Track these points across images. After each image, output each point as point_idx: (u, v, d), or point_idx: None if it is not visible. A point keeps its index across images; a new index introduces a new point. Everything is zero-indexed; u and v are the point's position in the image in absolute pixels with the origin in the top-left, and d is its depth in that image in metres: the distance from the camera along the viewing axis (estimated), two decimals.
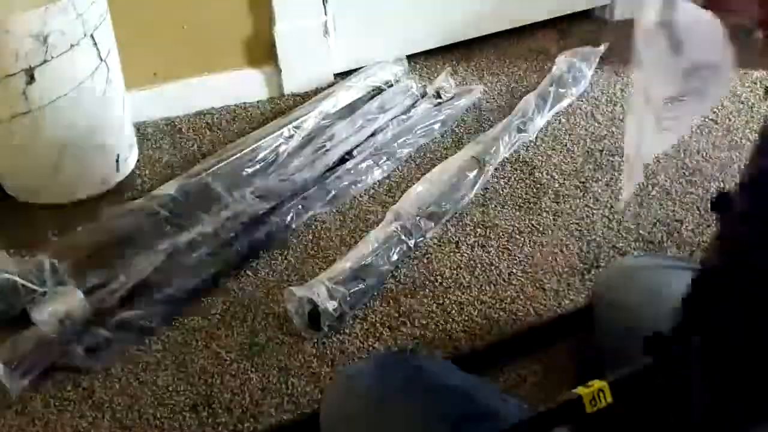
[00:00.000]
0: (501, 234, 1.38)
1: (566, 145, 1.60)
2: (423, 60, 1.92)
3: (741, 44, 0.66)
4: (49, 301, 1.20)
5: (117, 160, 1.54)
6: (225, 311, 1.25)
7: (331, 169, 1.53)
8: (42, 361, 1.15)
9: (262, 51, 1.77)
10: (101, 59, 1.43)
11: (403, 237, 1.32)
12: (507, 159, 1.55)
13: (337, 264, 1.27)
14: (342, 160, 1.55)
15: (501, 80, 1.83)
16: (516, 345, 1.17)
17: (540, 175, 1.52)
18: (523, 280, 1.28)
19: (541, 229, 1.39)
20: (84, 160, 1.48)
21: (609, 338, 0.98)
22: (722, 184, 1.47)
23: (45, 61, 1.34)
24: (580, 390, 0.69)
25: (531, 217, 1.41)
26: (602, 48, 1.87)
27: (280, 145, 1.56)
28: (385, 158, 1.55)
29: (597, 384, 0.70)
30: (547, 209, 1.43)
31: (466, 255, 1.33)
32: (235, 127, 1.72)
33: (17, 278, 1.20)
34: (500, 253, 1.34)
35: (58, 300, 1.20)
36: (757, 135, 0.64)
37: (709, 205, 0.66)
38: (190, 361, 1.17)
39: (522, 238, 1.37)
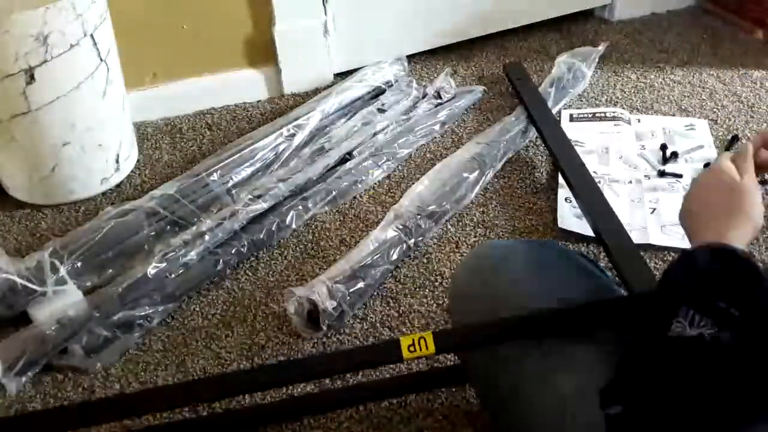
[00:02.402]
0: (501, 234, 1.38)
1: None
2: (423, 60, 1.92)
3: None
4: (49, 301, 1.20)
5: (117, 160, 1.54)
6: (225, 311, 1.25)
7: (331, 169, 1.53)
8: (41, 361, 1.15)
9: (262, 51, 1.77)
10: (101, 59, 1.43)
11: (403, 237, 1.32)
12: (507, 159, 1.55)
13: (337, 264, 1.27)
14: (342, 160, 1.55)
15: (501, 80, 1.83)
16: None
17: (540, 175, 1.52)
18: None
19: (541, 229, 1.39)
20: (84, 160, 1.48)
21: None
22: None
23: (45, 61, 1.34)
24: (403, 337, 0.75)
25: (531, 217, 1.42)
26: (602, 48, 1.87)
27: (280, 145, 1.56)
28: (385, 158, 1.55)
29: (423, 334, 0.75)
30: (547, 209, 1.43)
31: (466, 255, 1.33)
32: (235, 127, 1.72)
33: (17, 278, 1.21)
34: None
35: (58, 300, 1.20)
36: None
37: None
38: (190, 361, 1.17)
39: (522, 239, 1.37)
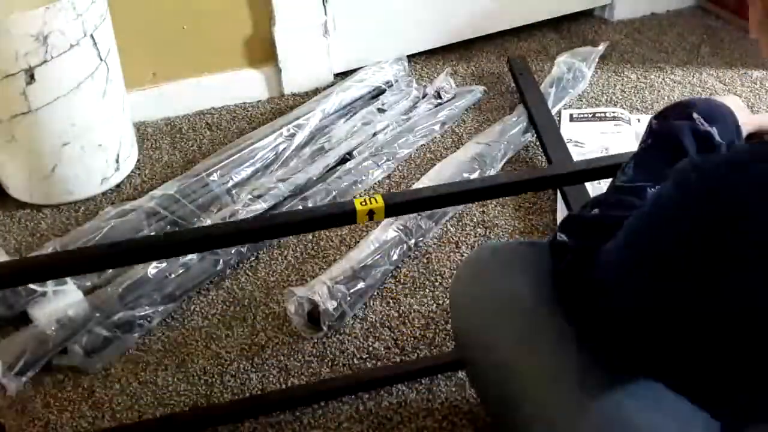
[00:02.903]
0: (501, 234, 1.38)
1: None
2: (423, 60, 1.92)
3: None
4: (49, 301, 1.20)
5: (117, 160, 1.54)
6: (225, 311, 1.25)
7: (331, 169, 1.53)
8: (41, 361, 1.15)
9: (262, 51, 1.77)
10: (101, 59, 1.43)
11: (403, 237, 1.32)
12: (507, 159, 1.55)
13: (337, 264, 1.27)
14: (342, 160, 1.55)
15: (501, 80, 1.83)
16: None
17: None
18: None
19: (541, 229, 1.39)
20: (84, 160, 1.48)
21: None
22: None
23: (45, 61, 1.34)
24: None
25: (531, 217, 1.42)
26: (602, 48, 1.87)
27: (280, 145, 1.56)
28: (385, 158, 1.55)
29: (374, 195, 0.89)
30: (547, 209, 1.43)
31: (466, 255, 1.33)
32: (235, 127, 1.72)
33: None
34: None
35: (58, 300, 1.20)
36: None
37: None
38: (190, 361, 1.17)
39: (522, 239, 1.37)
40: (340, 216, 0.92)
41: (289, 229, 0.99)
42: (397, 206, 0.94)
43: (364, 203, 0.88)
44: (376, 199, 0.88)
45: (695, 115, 0.83)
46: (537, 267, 0.86)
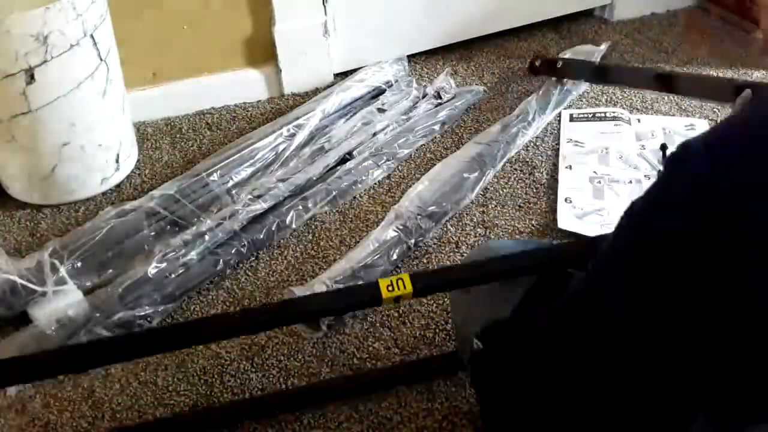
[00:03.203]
0: (501, 234, 1.38)
1: None
2: (423, 60, 1.92)
3: None
4: (49, 301, 1.20)
5: (117, 160, 1.54)
6: (225, 311, 1.25)
7: (331, 169, 1.53)
8: None
9: (262, 51, 1.77)
10: (101, 59, 1.43)
11: (403, 237, 1.32)
12: (507, 159, 1.55)
13: (337, 264, 1.27)
14: (342, 160, 1.55)
15: (501, 80, 1.83)
16: None
17: (540, 175, 1.52)
18: None
19: (540, 229, 1.39)
20: (84, 160, 1.48)
21: None
22: None
23: (45, 61, 1.34)
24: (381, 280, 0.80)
25: (531, 217, 1.42)
26: (604, 47, 1.87)
27: (280, 145, 1.56)
28: (385, 158, 1.55)
29: (401, 275, 0.79)
30: (547, 209, 1.43)
31: (466, 255, 1.33)
32: (235, 127, 1.72)
33: (17, 278, 1.20)
34: None
35: (58, 300, 1.20)
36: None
37: None
38: (190, 361, 1.17)
39: (522, 239, 1.37)
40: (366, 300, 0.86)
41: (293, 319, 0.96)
42: (425, 289, 0.86)
43: (390, 289, 0.80)
44: (403, 283, 0.80)
45: None
46: None
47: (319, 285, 1.20)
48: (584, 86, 1.77)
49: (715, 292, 0.61)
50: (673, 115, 1.69)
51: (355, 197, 1.48)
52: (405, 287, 0.79)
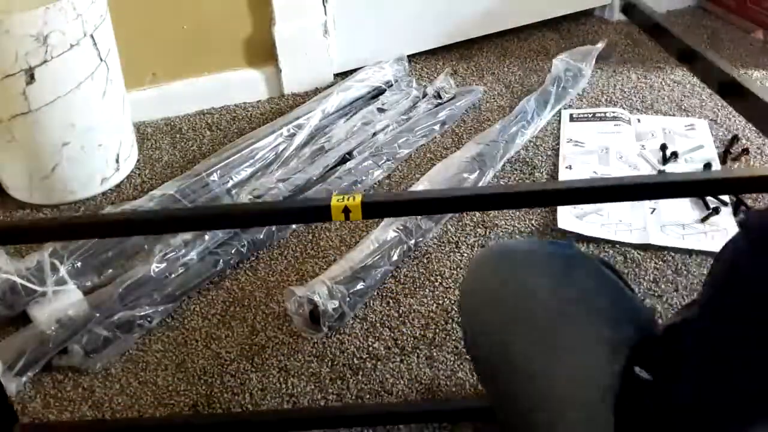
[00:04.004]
0: (501, 234, 1.38)
1: None
2: (423, 60, 1.92)
3: None
4: (49, 301, 1.20)
5: (117, 160, 1.54)
6: (225, 311, 1.25)
7: (331, 169, 1.53)
8: (41, 361, 1.15)
9: (262, 51, 1.77)
10: (101, 59, 1.43)
11: (403, 237, 1.32)
12: (507, 159, 1.55)
13: (337, 264, 1.27)
14: (342, 160, 1.55)
15: (501, 80, 1.83)
16: None
17: (540, 175, 1.52)
18: None
19: (540, 229, 1.39)
20: (84, 160, 1.48)
21: None
22: None
23: (45, 61, 1.34)
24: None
25: (531, 217, 1.42)
26: (601, 45, 1.87)
27: (279, 145, 1.56)
28: (385, 158, 1.55)
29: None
30: (547, 209, 1.43)
31: (466, 255, 1.34)
32: (235, 127, 1.72)
33: (17, 278, 1.20)
34: None
35: (58, 300, 1.20)
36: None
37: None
38: (190, 361, 1.17)
39: (522, 239, 1.37)
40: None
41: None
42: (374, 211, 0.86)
43: (339, 200, 0.82)
44: (354, 199, 0.82)
45: None
46: (560, 272, 0.83)
47: (320, 285, 1.20)
48: (583, 83, 1.77)
49: None
50: (673, 115, 1.69)
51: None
52: (354, 200, 0.81)
